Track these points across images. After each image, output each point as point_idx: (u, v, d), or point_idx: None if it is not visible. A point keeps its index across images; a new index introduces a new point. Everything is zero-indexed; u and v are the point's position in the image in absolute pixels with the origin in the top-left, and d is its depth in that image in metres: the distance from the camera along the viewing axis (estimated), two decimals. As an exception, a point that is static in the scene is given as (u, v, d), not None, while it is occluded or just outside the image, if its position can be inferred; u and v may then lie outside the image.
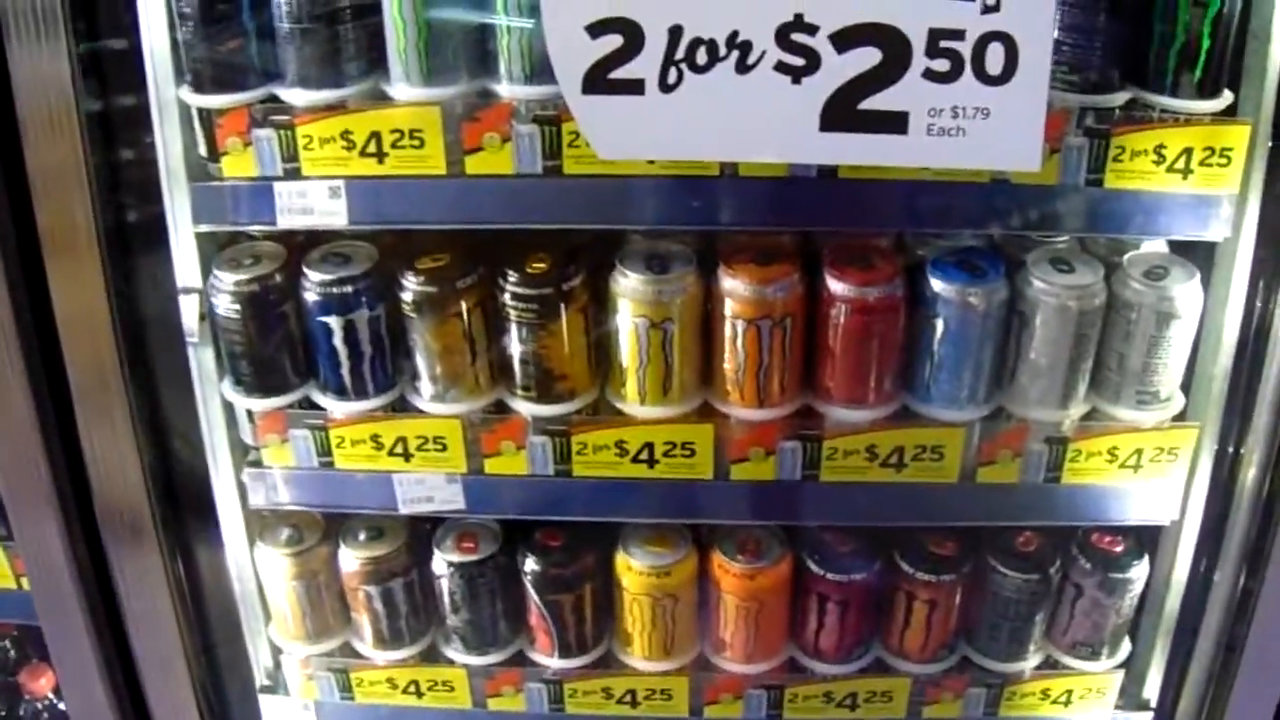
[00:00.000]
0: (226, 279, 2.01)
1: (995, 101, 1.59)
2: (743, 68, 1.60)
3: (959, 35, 1.56)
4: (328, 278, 2.01)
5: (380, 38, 1.85)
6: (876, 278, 1.95)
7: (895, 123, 1.62)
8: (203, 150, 1.95)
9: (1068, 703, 2.38)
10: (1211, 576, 2.15)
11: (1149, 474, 2.09)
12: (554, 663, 2.37)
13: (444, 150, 1.86)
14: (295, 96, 1.88)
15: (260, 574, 2.32)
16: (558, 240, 2.02)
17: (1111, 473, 2.09)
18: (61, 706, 2.52)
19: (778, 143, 1.67)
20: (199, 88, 1.90)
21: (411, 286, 2.00)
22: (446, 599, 2.30)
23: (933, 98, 1.60)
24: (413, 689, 2.42)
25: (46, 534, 2.09)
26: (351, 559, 2.27)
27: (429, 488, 2.14)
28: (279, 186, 1.92)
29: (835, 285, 1.95)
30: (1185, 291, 1.95)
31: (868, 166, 1.76)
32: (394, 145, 1.86)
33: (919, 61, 1.58)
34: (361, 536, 2.29)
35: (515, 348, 2.04)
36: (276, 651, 2.43)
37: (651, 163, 1.81)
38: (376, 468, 2.14)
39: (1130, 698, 2.39)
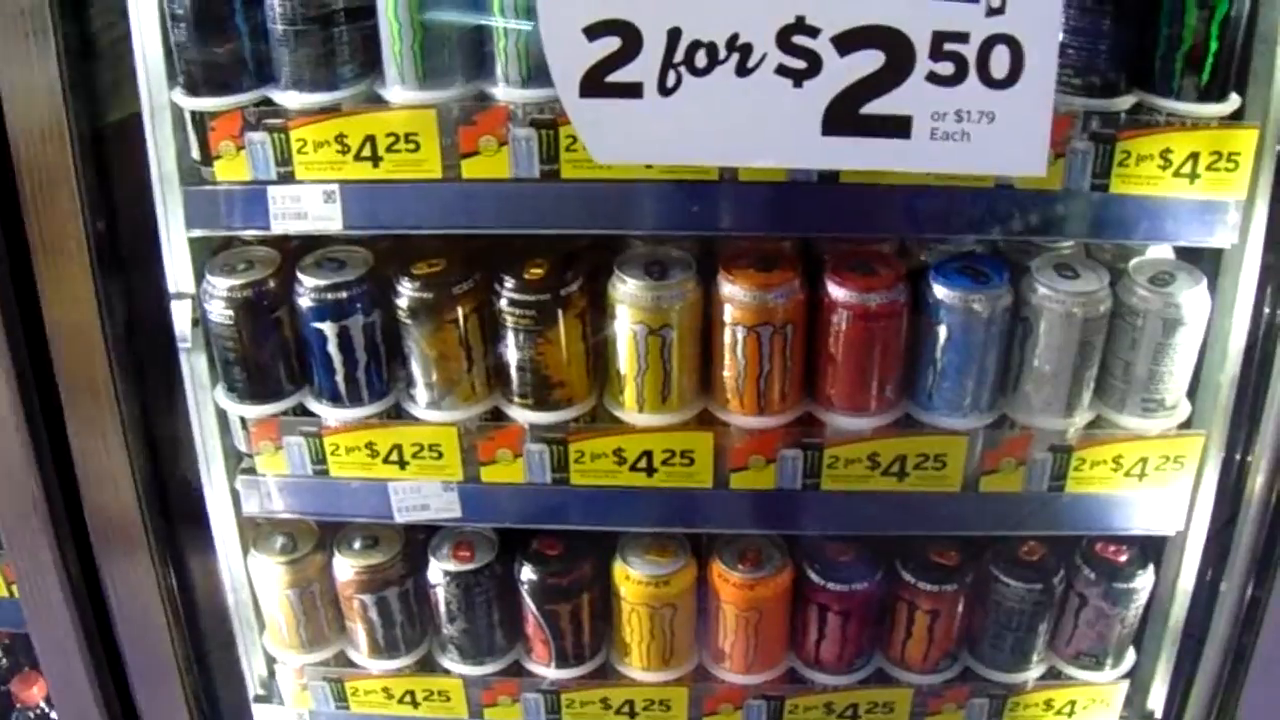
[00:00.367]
0: (219, 284, 1.99)
1: (1000, 105, 1.57)
2: (743, 71, 1.58)
3: (963, 38, 1.54)
4: (322, 283, 1.98)
5: (375, 40, 1.83)
6: (878, 284, 1.93)
7: (898, 127, 1.59)
8: (196, 154, 1.93)
9: (1071, 714, 2.36)
10: (1218, 585, 2.13)
11: (1154, 483, 2.07)
12: (551, 673, 2.35)
13: (440, 154, 1.84)
14: (289, 99, 1.87)
15: (254, 582, 2.30)
16: (555, 246, 2.00)
17: (1116, 481, 2.07)
18: (54, 715, 2.50)
19: (779, 147, 1.65)
20: (192, 90, 1.88)
21: (407, 292, 1.98)
22: (442, 608, 2.28)
23: (936, 101, 1.57)
24: (408, 699, 2.40)
25: (36, 543, 2.09)
26: (346, 567, 2.25)
27: (424, 496, 2.13)
28: (273, 191, 1.90)
29: (837, 291, 1.93)
30: (1191, 298, 1.93)
31: (870, 171, 1.74)
32: (389, 149, 1.84)
33: (923, 64, 1.55)
34: (356, 545, 2.27)
35: (512, 354, 2.02)
36: (271, 661, 2.41)
37: (650, 167, 1.79)
38: (371, 476, 2.12)
39: (1135, 708, 2.36)
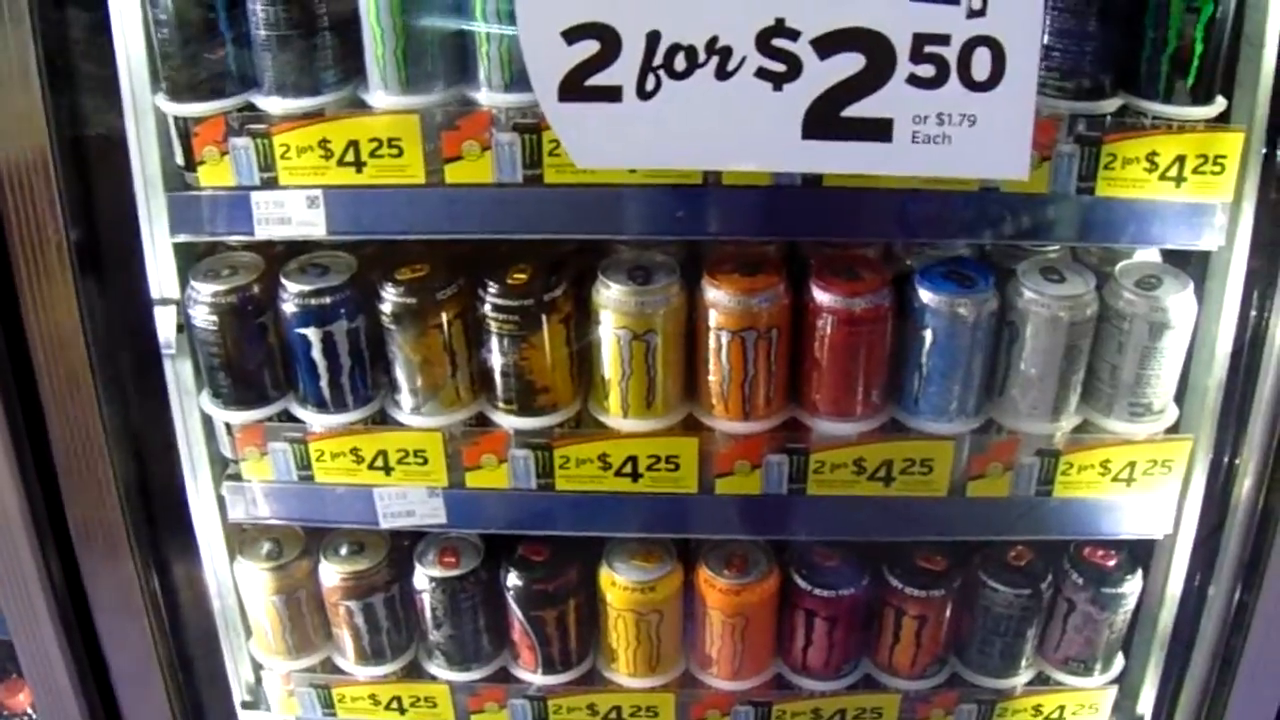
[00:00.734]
0: (203, 290, 1.98)
1: (982, 108, 1.57)
2: (723, 74, 1.57)
3: (944, 40, 1.54)
4: (306, 289, 1.98)
5: (358, 45, 1.83)
6: (863, 288, 1.92)
7: (879, 130, 1.59)
8: (179, 159, 1.92)
9: (1060, 719, 2.35)
10: (1206, 590, 2.13)
11: (1142, 487, 2.06)
12: (537, 679, 2.34)
13: (423, 159, 1.84)
14: (272, 105, 1.86)
15: (240, 589, 2.29)
16: (539, 250, 2.00)
17: (1104, 486, 2.07)
18: (40, 722, 2.49)
19: (759, 151, 1.65)
20: (175, 96, 1.87)
21: (391, 298, 1.98)
22: (428, 614, 2.27)
23: (917, 104, 1.57)
24: (395, 705, 2.39)
25: (18, 549, 2.07)
26: (332, 574, 2.25)
27: (410, 502, 2.12)
28: (256, 196, 1.89)
29: (821, 296, 1.93)
30: (1178, 302, 1.92)
31: (853, 175, 1.73)
32: (372, 154, 1.84)
33: (903, 67, 1.55)
34: (342, 551, 2.27)
35: (496, 360, 2.02)
36: (257, 667, 2.41)
37: (633, 171, 1.78)
38: (357, 481, 2.11)
39: (1124, 713, 2.36)
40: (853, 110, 1.58)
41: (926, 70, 1.55)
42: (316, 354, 2.01)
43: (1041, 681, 2.34)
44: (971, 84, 1.55)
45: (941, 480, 2.05)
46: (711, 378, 2.00)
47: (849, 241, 2.01)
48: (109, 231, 1.95)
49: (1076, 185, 1.81)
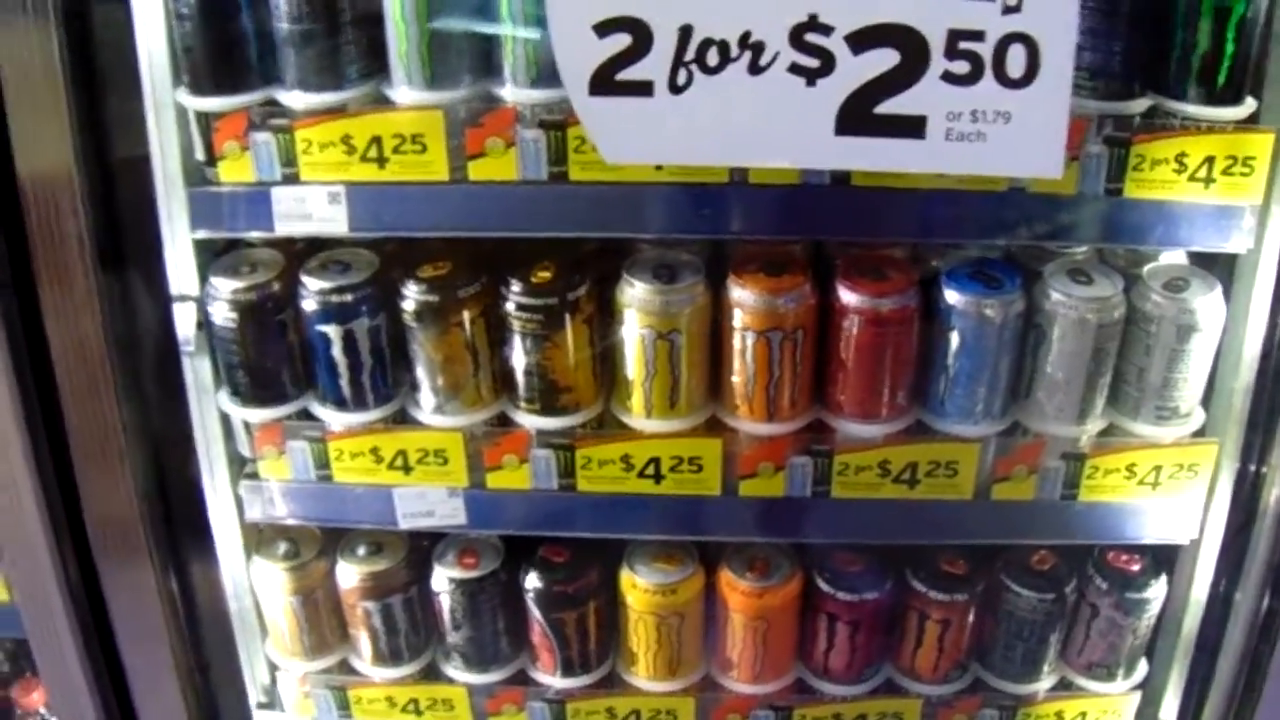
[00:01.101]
0: (223, 287, 1.97)
1: (1016, 105, 1.55)
2: (755, 69, 1.55)
3: (979, 36, 1.52)
4: (327, 286, 1.97)
5: (381, 40, 1.82)
6: (890, 289, 1.91)
7: (913, 127, 1.57)
8: (200, 154, 1.91)
9: (1082, 725, 2.34)
10: (1233, 596, 2.11)
11: (1168, 491, 2.05)
12: (557, 681, 2.33)
13: (446, 155, 1.82)
14: (294, 99, 1.85)
15: (256, 589, 2.28)
16: (563, 249, 1.99)
17: (1129, 490, 2.06)
18: (54, 722, 2.48)
19: (791, 147, 1.63)
20: (196, 90, 1.85)
21: (412, 295, 1.96)
22: (447, 616, 2.26)
23: (952, 101, 1.55)
24: (412, 707, 2.38)
25: (35, 548, 2.06)
26: (350, 574, 2.23)
27: (429, 502, 2.11)
28: (277, 192, 1.88)
29: (848, 296, 1.91)
30: (1206, 304, 1.91)
31: (882, 173, 1.73)
32: (395, 150, 1.83)
33: (938, 63, 1.54)
34: (360, 551, 2.25)
35: (519, 359, 2.00)
36: (273, 668, 2.40)
37: (659, 169, 1.77)
38: (376, 481, 2.10)
39: (1146, 719, 2.33)
40: (886, 107, 1.56)
41: (961, 67, 1.53)
42: (337, 352, 2.00)
43: (1064, 687, 2.32)
44: (1006, 81, 1.54)
45: (966, 483, 2.04)
46: (736, 378, 1.98)
47: (876, 241, 1.99)
48: (128, 227, 1.93)
49: (1105, 186, 1.80)
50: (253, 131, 1.84)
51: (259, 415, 2.08)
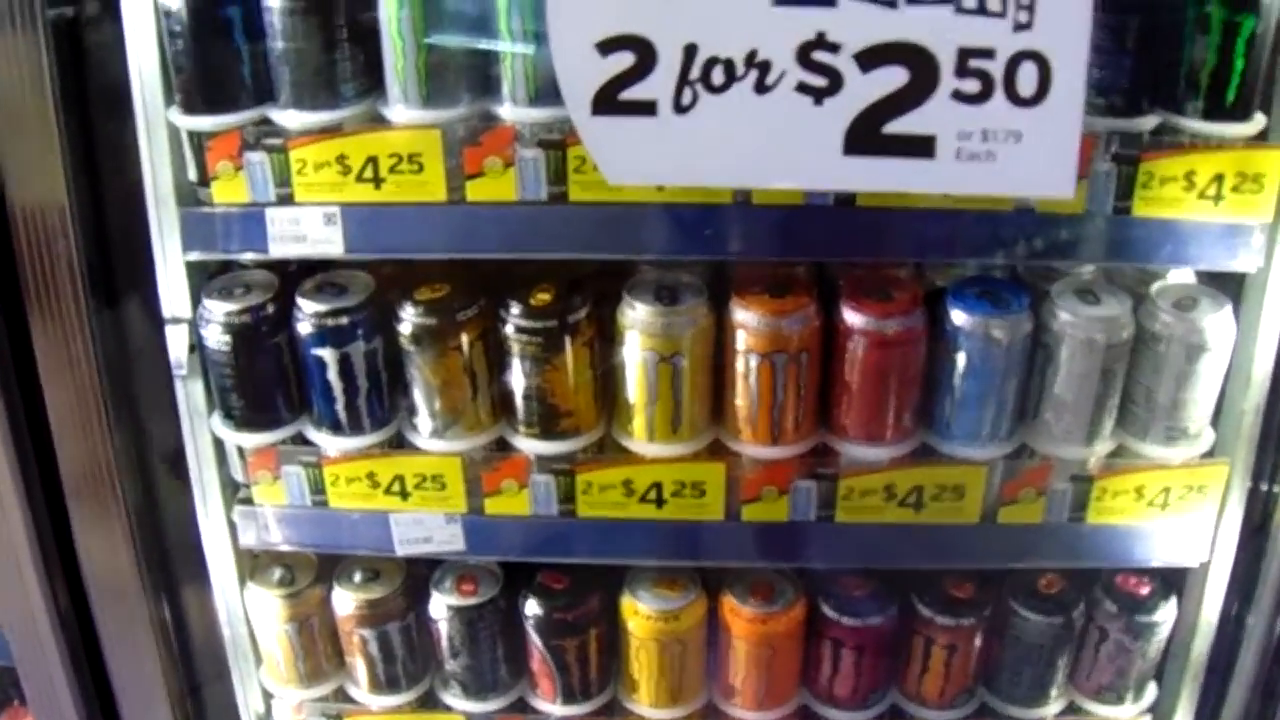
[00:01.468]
0: (216, 309, 1.94)
1: (1028, 124, 1.52)
2: (761, 88, 1.53)
3: (989, 54, 1.49)
4: (322, 308, 1.94)
5: (377, 57, 1.80)
6: (895, 310, 1.89)
7: (922, 146, 1.54)
8: (192, 174, 1.88)
9: (1090, 748, 2.32)
10: (1244, 619, 2.09)
11: (1177, 513, 2.03)
12: (557, 709, 2.31)
13: (444, 176, 1.80)
14: (289, 119, 1.83)
15: (251, 616, 2.25)
16: (563, 270, 1.97)
17: (1138, 512, 2.03)
18: (43, 752, 2.45)
19: (799, 168, 1.60)
20: (189, 109, 1.83)
21: (410, 318, 1.94)
22: (445, 643, 2.24)
23: (962, 120, 1.52)
24: (409, 735, 2.35)
25: (23, 572, 2.04)
26: (346, 601, 2.21)
27: (427, 528, 2.08)
28: (271, 213, 1.86)
29: (852, 317, 1.89)
30: (1216, 323, 1.89)
31: (887, 193, 1.70)
32: (392, 170, 1.80)
33: (947, 82, 1.51)
34: (357, 578, 2.23)
35: (518, 382, 1.98)
36: (267, 696, 2.37)
37: (661, 189, 1.75)
38: (372, 507, 2.08)
39: (1155, 744, 2.32)
40: (895, 126, 1.53)
41: (971, 85, 1.51)
42: (332, 376, 1.97)
43: (1072, 711, 2.30)
44: (1017, 99, 1.51)
45: (973, 506, 2.02)
46: (739, 401, 1.96)
47: (881, 262, 1.97)
48: (120, 248, 1.92)
49: (1113, 204, 1.78)
50: (246, 151, 1.82)
51: (253, 440, 2.05)
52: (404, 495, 2.06)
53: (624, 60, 1.52)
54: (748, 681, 2.24)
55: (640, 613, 2.18)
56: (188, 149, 1.87)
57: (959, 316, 1.89)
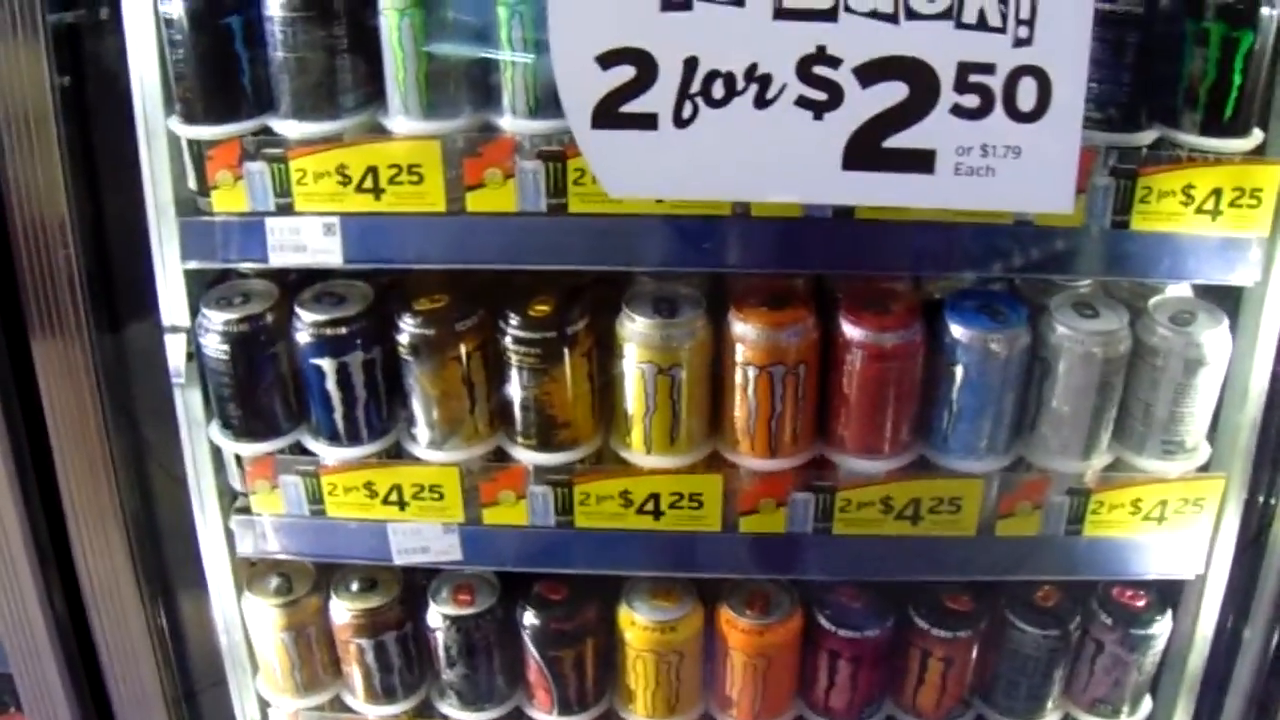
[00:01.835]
0: (215, 318, 1.94)
1: (1027, 139, 1.53)
2: (762, 102, 1.53)
3: (989, 69, 1.50)
4: (321, 318, 1.94)
5: (378, 68, 1.80)
6: (893, 323, 1.89)
7: (922, 161, 1.55)
8: (192, 183, 1.88)
9: (1086, 761, 2.31)
10: (1240, 632, 2.10)
11: (1173, 526, 2.03)
12: (553, 720, 2.30)
13: (444, 187, 1.80)
14: (288, 128, 1.83)
15: (247, 624, 2.24)
16: (561, 281, 1.96)
17: (1135, 525, 2.03)
18: (38, 759, 2.44)
19: (798, 182, 1.61)
20: (189, 118, 1.83)
21: (408, 329, 1.94)
22: (442, 653, 2.23)
23: (961, 135, 1.53)
24: (405, 744, 2.35)
25: (20, 580, 2.05)
26: (343, 611, 2.20)
27: (425, 538, 2.08)
28: (271, 222, 1.85)
29: (851, 330, 1.89)
30: (1213, 337, 1.89)
31: (885, 207, 1.70)
32: (391, 181, 1.80)
33: (947, 97, 1.51)
34: (354, 587, 2.22)
35: (516, 393, 1.98)
36: (264, 705, 2.36)
37: (660, 202, 1.75)
38: (370, 516, 2.07)
39: (1151, 757, 2.32)
40: (895, 141, 1.54)
41: (971, 100, 1.51)
42: (331, 386, 1.97)
43: (1068, 724, 2.30)
44: (1016, 115, 1.52)
45: (970, 519, 2.01)
46: (737, 413, 1.95)
47: (879, 275, 1.97)
48: (119, 257, 1.92)
49: (1111, 219, 1.78)
50: (246, 161, 1.82)
51: (251, 449, 2.05)
52: (402, 505, 2.05)
53: (625, 73, 1.53)
54: (744, 693, 2.23)
55: (637, 623, 2.17)
56: (188, 158, 1.87)
57: (957, 330, 1.89)
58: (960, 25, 1.47)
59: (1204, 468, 2.02)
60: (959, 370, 1.91)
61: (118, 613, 2.10)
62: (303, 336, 1.95)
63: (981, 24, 1.47)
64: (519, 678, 2.30)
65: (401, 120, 1.81)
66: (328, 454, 2.05)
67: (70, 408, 1.93)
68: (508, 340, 1.93)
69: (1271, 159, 1.78)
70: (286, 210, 1.84)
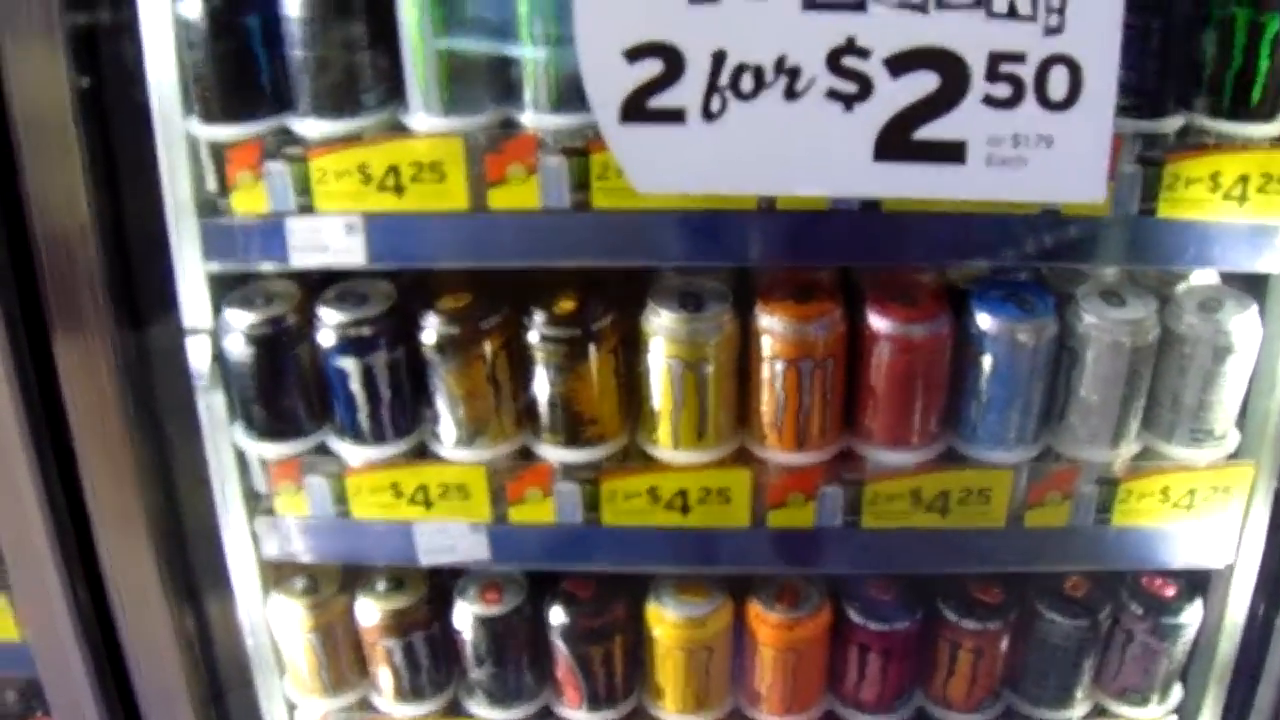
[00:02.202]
0: (238, 320, 1.93)
1: (1059, 129, 1.52)
2: (791, 95, 1.52)
3: (1020, 59, 1.49)
4: (344, 318, 1.93)
5: (398, 65, 1.78)
6: (921, 314, 1.88)
7: (953, 152, 1.54)
8: (212, 185, 1.87)
9: (1116, 750, 2.31)
10: (1272, 620, 2.07)
11: (1202, 514, 2.02)
12: (582, 717, 2.30)
13: (466, 184, 1.78)
14: (308, 128, 1.81)
15: (274, 626, 2.24)
16: (586, 278, 1.95)
17: (1164, 513, 2.02)
18: (65, 763, 2.44)
19: (828, 175, 1.59)
20: (207, 119, 1.82)
21: (433, 327, 1.93)
22: (470, 652, 2.23)
23: (993, 125, 1.52)
24: (433, 744, 2.35)
25: (47, 583, 2.03)
26: (371, 611, 2.20)
27: (451, 537, 2.07)
28: (292, 223, 1.84)
29: (879, 322, 1.88)
30: (1242, 324, 1.88)
31: (913, 199, 1.68)
32: (413, 179, 1.79)
33: (978, 87, 1.50)
34: (381, 587, 2.22)
35: (542, 391, 1.97)
36: (291, 706, 2.36)
37: (685, 196, 1.72)
38: (395, 517, 2.06)
39: (1181, 745, 2.31)
40: (925, 132, 1.52)
41: (1002, 90, 1.50)
42: (355, 386, 1.96)
43: (1098, 713, 2.29)
44: (1048, 104, 1.50)
45: (999, 510, 2.01)
46: (765, 407, 1.95)
47: (906, 266, 1.96)
48: (140, 259, 1.90)
49: (1139, 206, 1.76)
50: (266, 161, 1.81)
51: (275, 450, 2.05)
52: (428, 505, 2.04)
53: (652, 68, 1.52)
54: (774, 687, 2.23)
55: (666, 620, 2.16)
56: (207, 159, 1.86)
57: (984, 320, 1.88)
58: (991, 14, 1.46)
59: (1233, 455, 2.01)
60: (987, 361, 1.90)
61: (144, 615, 2.09)
62: (326, 337, 1.94)
63: (1012, 13, 1.46)
64: (547, 675, 2.29)
65: (422, 117, 1.80)
66: (352, 455, 2.04)
67: (93, 411, 1.92)
68: (533, 337, 1.92)
69: (1299, 143, 1.76)
70: (307, 210, 1.83)
